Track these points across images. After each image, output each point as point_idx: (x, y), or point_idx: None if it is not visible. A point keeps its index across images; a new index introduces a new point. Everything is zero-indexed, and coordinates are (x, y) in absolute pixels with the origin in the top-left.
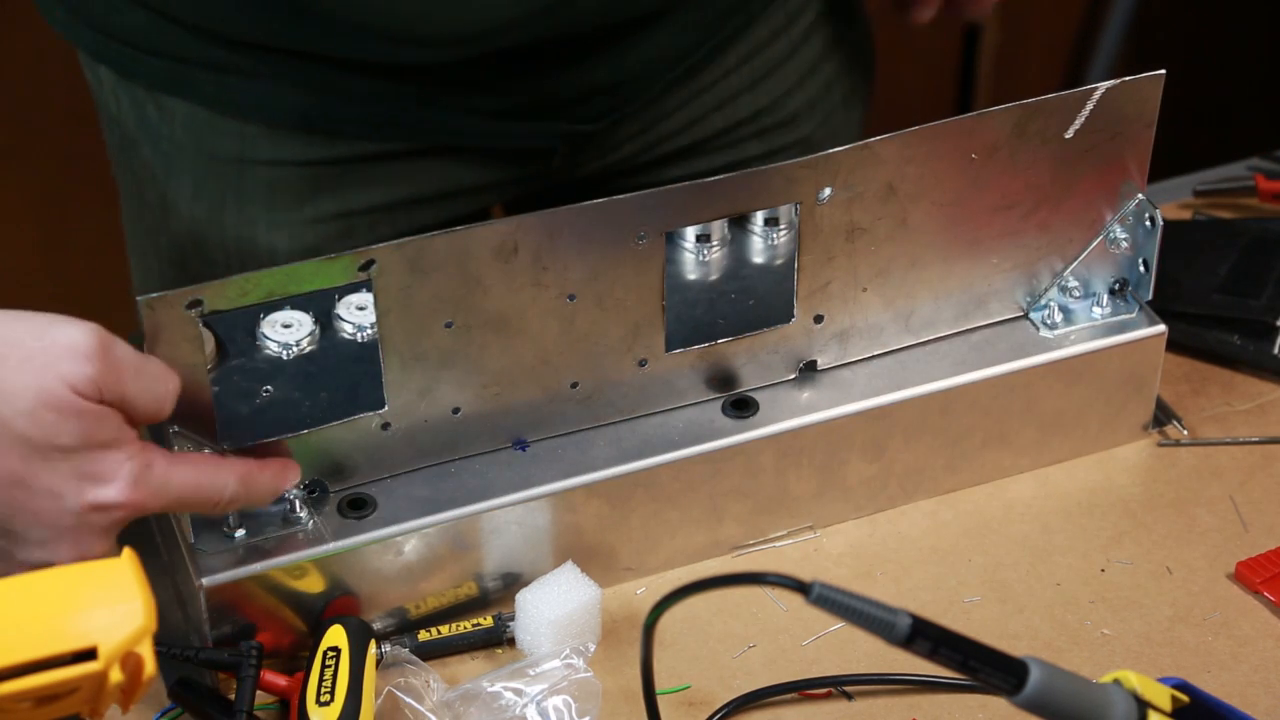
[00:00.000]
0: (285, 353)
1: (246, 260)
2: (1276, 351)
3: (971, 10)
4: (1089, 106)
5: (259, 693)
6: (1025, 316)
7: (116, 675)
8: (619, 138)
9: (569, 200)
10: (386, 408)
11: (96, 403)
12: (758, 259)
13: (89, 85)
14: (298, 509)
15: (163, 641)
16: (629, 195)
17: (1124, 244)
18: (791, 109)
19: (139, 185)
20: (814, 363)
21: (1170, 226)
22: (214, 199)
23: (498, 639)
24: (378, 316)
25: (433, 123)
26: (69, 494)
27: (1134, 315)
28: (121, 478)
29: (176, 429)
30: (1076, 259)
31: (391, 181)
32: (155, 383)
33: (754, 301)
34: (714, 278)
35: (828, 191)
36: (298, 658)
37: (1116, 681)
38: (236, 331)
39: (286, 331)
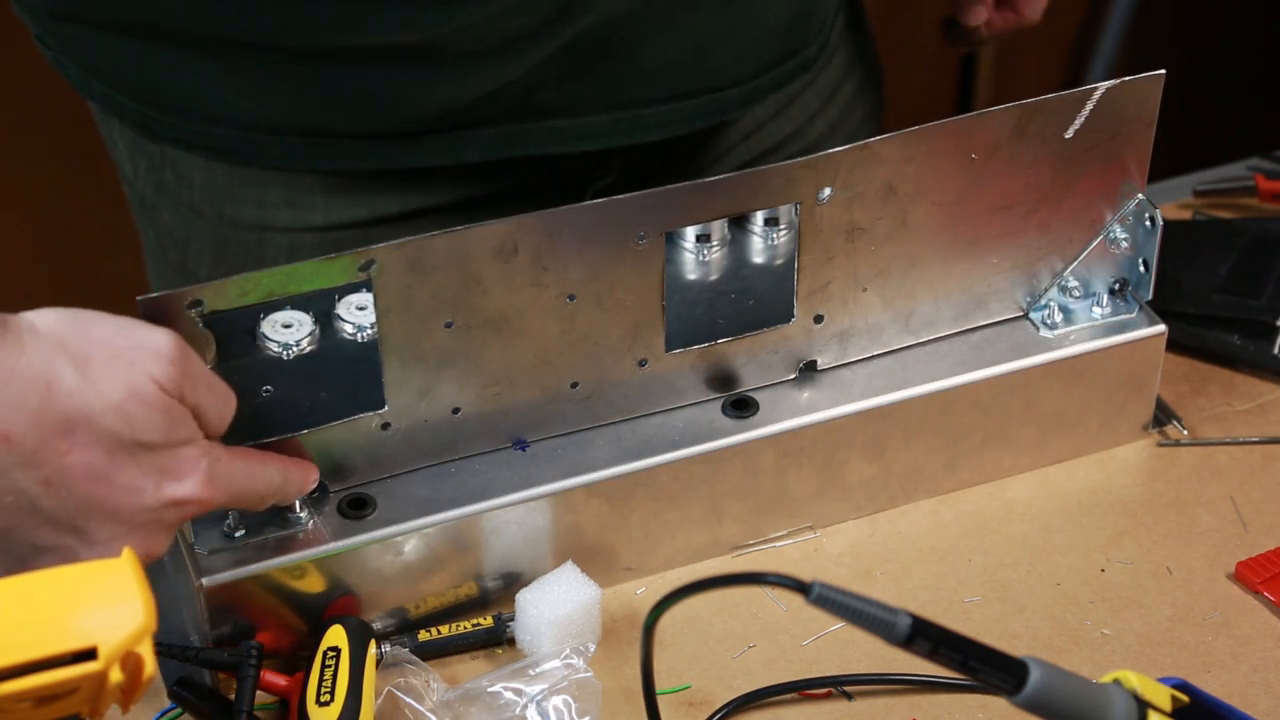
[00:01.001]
0: (285, 353)
1: None
2: (1276, 351)
3: (1026, 10)
4: (1089, 106)
5: (259, 693)
6: (1025, 316)
7: (116, 675)
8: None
9: None
10: (386, 408)
11: (178, 401)
12: (758, 259)
13: (104, 140)
14: (298, 509)
15: (163, 641)
16: (629, 195)
17: (1124, 244)
18: (814, 135)
19: (160, 241)
20: (814, 363)
21: (1170, 226)
22: (234, 268)
23: (498, 639)
24: (378, 316)
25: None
26: (148, 489)
27: (1134, 315)
28: (198, 473)
29: None
30: (1076, 259)
31: None
32: (221, 398)
33: (754, 301)
34: (714, 278)
35: (828, 191)
36: (298, 658)
37: (1116, 681)
38: (236, 331)
39: (286, 331)
